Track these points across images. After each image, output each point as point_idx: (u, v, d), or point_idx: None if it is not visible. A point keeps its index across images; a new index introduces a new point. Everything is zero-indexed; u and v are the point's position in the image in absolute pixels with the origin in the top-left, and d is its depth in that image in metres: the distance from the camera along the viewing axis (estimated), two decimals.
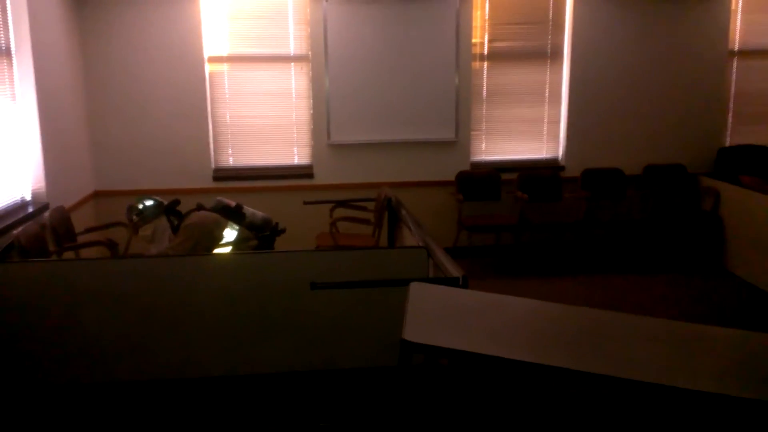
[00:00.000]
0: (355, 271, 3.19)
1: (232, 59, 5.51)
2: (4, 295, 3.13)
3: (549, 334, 2.10)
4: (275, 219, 3.96)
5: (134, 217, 3.80)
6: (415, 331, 2.00)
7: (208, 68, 5.48)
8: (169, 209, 3.81)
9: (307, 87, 5.59)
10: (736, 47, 5.95)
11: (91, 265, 3.21)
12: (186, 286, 3.17)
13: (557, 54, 5.80)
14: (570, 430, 2.82)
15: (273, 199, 5.53)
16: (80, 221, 4.79)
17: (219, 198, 3.87)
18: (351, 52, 5.51)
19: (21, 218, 3.93)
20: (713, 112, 5.99)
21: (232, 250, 3.73)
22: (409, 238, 3.74)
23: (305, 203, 5.25)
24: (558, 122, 5.92)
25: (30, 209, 4.17)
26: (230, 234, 3.77)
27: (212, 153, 5.59)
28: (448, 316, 2.18)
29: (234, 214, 3.78)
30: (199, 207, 3.80)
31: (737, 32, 5.93)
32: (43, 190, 4.36)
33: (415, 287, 2.42)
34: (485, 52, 5.73)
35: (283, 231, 3.96)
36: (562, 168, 5.91)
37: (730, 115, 6.08)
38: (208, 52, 5.45)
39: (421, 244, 3.27)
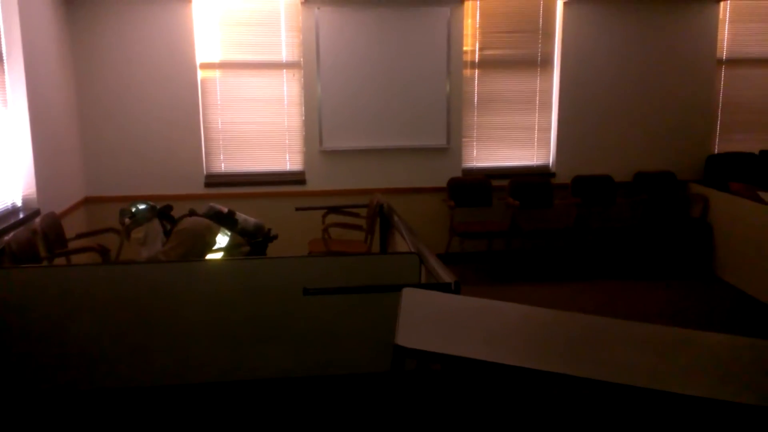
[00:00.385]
0: (348, 276, 3.20)
1: (224, 66, 5.52)
2: None
3: (541, 339, 2.12)
4: (267, 225, 3.97)
5: (126, 220, 3.80)
6: (407, 337, 2.02)
7: (200, 74, 5.48)
8: (162, 213, 3.81)
9: (299, 93, 5.60)
10: (724, 56, 6.03)
11: (83, 270, 3.20)
12: (178, 291, 3.16)
13: (547, 62, 5.85)
14: None
15: (265, 206, 5.53)
16: (71, 227, 4.77)
17: (211, 204, 3.87)
18: (343, 59, 5.53)
19: (12, 224, 3.91)
20: (702, 120, 6.06)
21: (224, 255, 3.73)
22: (402, 244, 3.75)
23: (297, 209, 5.25)
24: (548, 129, 5.97)
25: (21, 215, 4.15)
26: (222, 240, 3.77)
27: (204, 159, 5.59)
28: (440, 321, 2.20)
29: (226, 220, 3.78)
30: (192, 212, 3.80)
31: (725, 41, 6.01)
32: (34, 195, 4.34)
33: (407, 293, 2.43)
34: (476, 59, 5.78)
35: (275, 237, 3.97)
36: (553, 175, 5.95)
37: (718, 123, 6.16)
38: (200, 58, 5.45)
39: (413, 250, 3.29)
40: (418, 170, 5.80)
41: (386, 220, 4.49)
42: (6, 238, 3.62)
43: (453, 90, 5.70)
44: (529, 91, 5.89)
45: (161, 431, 2.96)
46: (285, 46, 5.54)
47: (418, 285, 2.93)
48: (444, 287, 2.68)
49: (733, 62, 6.04)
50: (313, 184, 5.69)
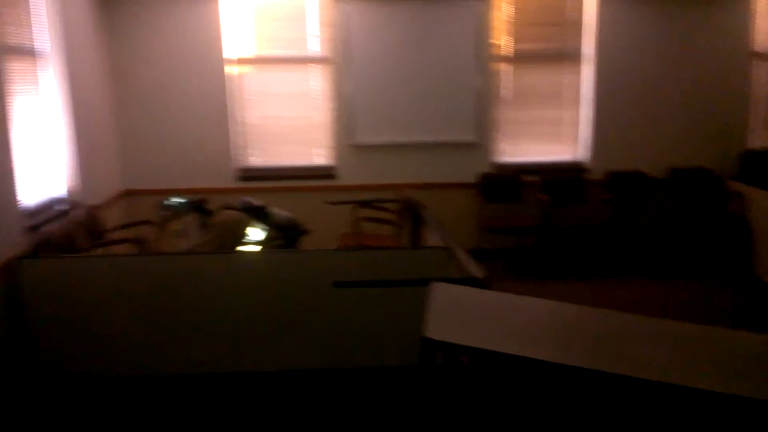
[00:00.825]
0: (377, 270, 3.23)
1: (255, 61, 5.60)
2: (37, 289, 3.24)
3: (569, 334, 2.12)
4: (298, 218, 4.03)
5: (163, 213, 3.91)
6: (436, 329, 2.04)
7: (232, 70, 5.58)
8: (198, 207, 3.91)
9: (329, 88, 5.65)
10: (758, 49, 5.86)
11: (121, 261, 3.31)
12: (211, 282, 3.24)
13: (580, 56, 5.78)
14: (587, 428, 2.83)
15: (296, 199, 5.60)
16: (110, 219, 4.92)
17: (245, 198, 3.95)
18: (372, 54, 5.56)
19: (53, 216, 4.05)
20: (737, 115, 5.91)
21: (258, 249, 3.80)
22: (431, 238, 3.77)
23: (326, 203, 5.31)
24: (579, 124, 5.90)
25: (63, 207, 4.28)
26: (255, 233, 3.84)
27: (236, 153, 5.69)
28: (468, 315, 2.22)
29: (259, 214, 3.86)
30: (227, 206, 3.89)
31: (759, 33, 5.84)
32: (76, 188, 4.49)
33: (436, 287, 2.45)
34: (508, 53, 5.74)
35: (306, 232, 4.03)
36: (586, 170, 5.88)
37: (754, 118, 5.99)
38: (232, 54, 5.55)
39: (443, 244, 3.31)
40: (448, 165, 5.81)
41: (416, 214, 4.52)
42: (48, 228, 3.75)
43: (484, 84, 5.68)
44: (561, 85, 5.83)
45: (196, 419, 3.04)
46: (315, 41, 5.59)
47: (447, 279, 2.95)
48: (473, 282, 2.69)
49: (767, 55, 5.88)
50: (343, 179, 5.74)
